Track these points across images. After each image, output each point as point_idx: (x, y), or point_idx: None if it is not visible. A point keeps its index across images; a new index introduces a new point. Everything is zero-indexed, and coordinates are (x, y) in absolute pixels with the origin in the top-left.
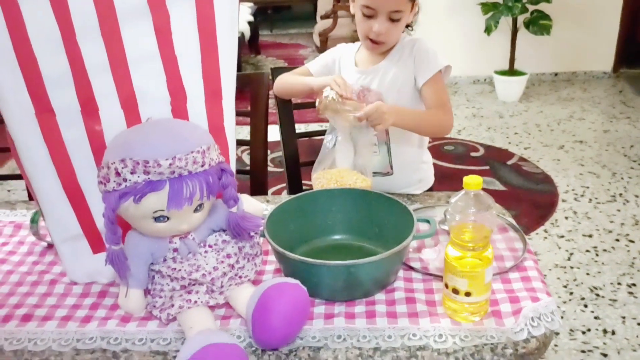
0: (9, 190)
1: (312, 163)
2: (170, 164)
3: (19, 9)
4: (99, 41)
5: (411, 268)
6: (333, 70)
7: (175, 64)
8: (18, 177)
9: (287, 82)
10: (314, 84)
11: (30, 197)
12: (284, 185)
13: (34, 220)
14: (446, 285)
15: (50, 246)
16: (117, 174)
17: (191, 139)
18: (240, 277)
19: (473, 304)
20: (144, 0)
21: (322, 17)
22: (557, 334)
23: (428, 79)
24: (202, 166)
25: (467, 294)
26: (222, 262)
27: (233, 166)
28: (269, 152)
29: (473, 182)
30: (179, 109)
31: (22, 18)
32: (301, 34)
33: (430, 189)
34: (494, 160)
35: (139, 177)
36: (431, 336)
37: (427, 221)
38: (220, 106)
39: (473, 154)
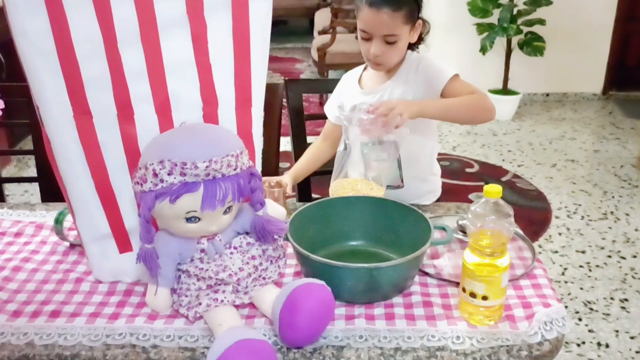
0: (7, 195)
1: (321, 174)
2: (206, 167)
3: (65, 15)
4: (139, 48)
5: (426, 274)
6: (341, 105)
7: (209, 71)
8: (16, 180)
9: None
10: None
11: (44, 199)
12: (292, 194)
13: (58, 221)
14: (463, 289)
15: (73, 246)
16: (155, 174)
17: (226, 143)
18: (264, 278)
19: (489, 308)
20: (184, 10)
21: (320, 33)
22: None
23: (444, 86)
24: (235, 169)
25: (484, 298)
26: (247, 263)
27: (259, 171)
28: None
29: (493, 190)
30: (211, 115)
31: (67, 24)
32: (297, 48)
33: (438, 200)
34: (489, 176)
35: (175, 178)
36: (449, 338)
37: (443, 228)
38: (249, 113)
39: (468, 169)
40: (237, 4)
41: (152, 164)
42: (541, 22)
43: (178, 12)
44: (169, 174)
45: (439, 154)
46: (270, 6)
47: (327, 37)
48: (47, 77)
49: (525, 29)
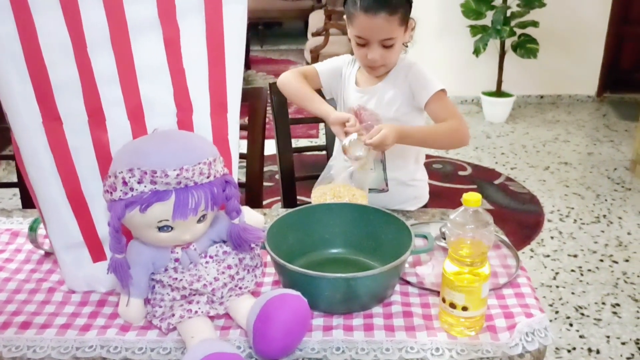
0: None
1: (306, 178)
2: (177, 175)
3: (32, 19)
4: (109, 52)
5: (407, 282)
6: (338, 76)
7: (183, 76)
8: (4, 185)
9: (298, 90)
10: (331, 116)
11: (24, 206)
12: (277, 198)
13: (32, 228)
14: (443, 300)
15: (48, 254)
16: (125, 183)
17: (198, 150)
18: (240, 288)
19: (469, 319)
20: (155, 13)
21: (314, 34)
22: None
23: (427, 100)
24: (208, 177)
25: (464, 309)
26: (223, 273)
27: (235, 179)
28: None
29: (472, 199)
30: (185, 121)
31: (34, 28)
32: (291, 50)
33: (425, 206)
34: (481, 179)
35: (145, 186)
36: (428, 349)
37: (424, 236)
38: (225, 119)
39: (461, 172)
40: (211, 7)
41: (122, 172)
42: (534, 24)
43: (149, 15)
44: (138, 183)
45: (432, 157)
46: (245, 9)
47: (320, 39)
48: (15, 82)
49: (519, 31)
